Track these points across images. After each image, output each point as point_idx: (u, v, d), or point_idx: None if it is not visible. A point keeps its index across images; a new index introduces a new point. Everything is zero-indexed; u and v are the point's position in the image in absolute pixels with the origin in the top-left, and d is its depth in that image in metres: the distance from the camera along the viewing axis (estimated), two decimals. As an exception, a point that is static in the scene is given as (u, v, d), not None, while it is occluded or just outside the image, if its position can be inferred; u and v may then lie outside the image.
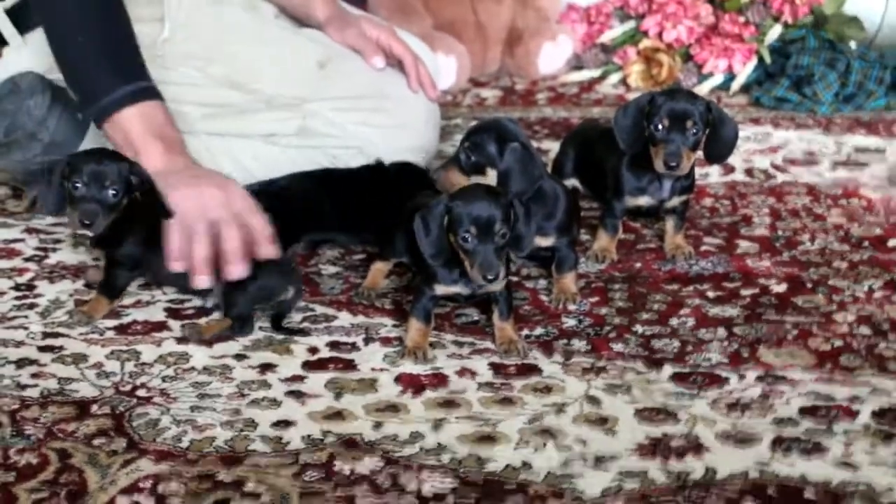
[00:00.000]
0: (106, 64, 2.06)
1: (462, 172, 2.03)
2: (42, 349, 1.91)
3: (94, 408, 1.74)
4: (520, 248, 1.90)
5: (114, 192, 1.91)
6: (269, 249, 1.97)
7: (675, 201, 2.23)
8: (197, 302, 2.06)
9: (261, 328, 1.98)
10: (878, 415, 1.72)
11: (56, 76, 2.32)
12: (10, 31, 2.30)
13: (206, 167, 2.12)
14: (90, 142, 2.34)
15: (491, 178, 2.01)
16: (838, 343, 1.93)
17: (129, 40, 2.09)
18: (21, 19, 2.30)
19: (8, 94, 2.31)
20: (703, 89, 3.19)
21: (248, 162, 2.36)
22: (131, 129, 2.04)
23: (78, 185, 1.90)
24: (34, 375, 1.83)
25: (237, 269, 1.94)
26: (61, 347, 1.92)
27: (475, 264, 1.83)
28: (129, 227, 1.97)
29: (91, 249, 2.18)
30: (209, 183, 1.99)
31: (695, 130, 2.10)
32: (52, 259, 2.23)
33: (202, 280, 1.94)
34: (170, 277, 2.02)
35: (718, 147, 2.17)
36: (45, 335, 1.95)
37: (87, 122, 2.36)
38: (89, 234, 1.92)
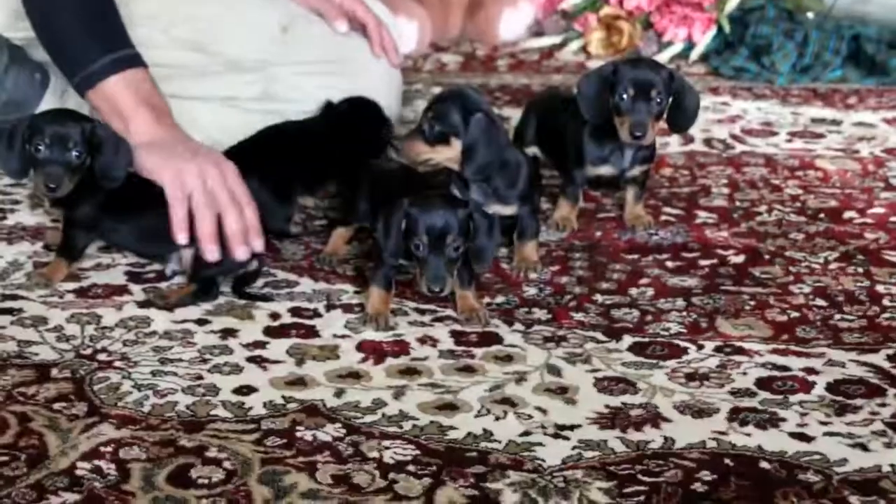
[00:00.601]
0: (90, 33, 2.04)
1: (426, 142, 2.03)
2: (0, 311, 1.89)
3: (55, 371, 1.74)
4: (482, 262, 1.91)
5: (77, 153, 1.89)
6: (258, 242, 1.97)
7: (636, 171, 2.24)
8: (156, 266, 2.05)
9: (222, 293, 1.97)
10: (833, 387, 1.75)
11: (13, 34, 2.29)
12: None
13: (196, 139, 2.11)
14: (49, 101, 2.32)
15: (455, 148, 2.02)
16: (795, 315, 1.96)
17: (110, 7, 2.07)
18: None
19: None
20: (662, 57, 3.19)
21: (206, 124, 2.34)
22: (118, 97, 2.02)
23: (41, 147, 1.89)
24: (-7, 338, 1.82)
25: (241, 251, 1.94)
26: (20, 310, 1.90)
27: (423, 274, 1.84)
28: (88, 188, 1.96)
29: (50, 210, 2.17)
30: (206, 160, 1.98)
31: (659, 100, 2.12)
32: (10, 220, 2.21)
33: (212, 252, 1.94)
34: (127, 241, 2.01)
35: (681, 116, 2.19)
36: (4, 297, 1.94)
37: (46, 81, 2.34)
38: (52, 195, 1.91)
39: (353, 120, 2.30)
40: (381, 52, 2.47)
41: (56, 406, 1.65)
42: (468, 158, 2.00)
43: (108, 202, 1.96)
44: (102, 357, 1.78)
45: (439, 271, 1.83)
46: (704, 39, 3.24)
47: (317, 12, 2.45)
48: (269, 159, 2.18)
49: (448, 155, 2.02)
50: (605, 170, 2.23)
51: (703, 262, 2.14)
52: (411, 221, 1.84)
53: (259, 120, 2.33)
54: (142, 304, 1.94)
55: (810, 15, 3.25)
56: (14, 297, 1.94)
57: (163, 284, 2.00)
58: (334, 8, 2.45)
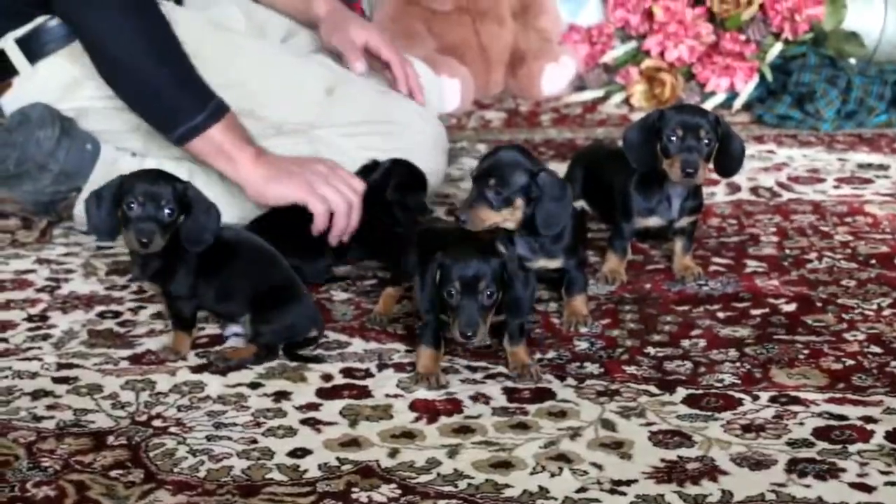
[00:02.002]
0: (184, 91, 2.20)
1: (492, 209, 2.03)
2: (57, 380, 1.91)
3: (111, 439, 1.75)
4: (518, 313, 1.91)
5: (169, 211, 1.92)
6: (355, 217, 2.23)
7: (684, 222, 2.24)
8: (210, 331, 2.07)
9: (274, 356, 1.99)
10: (892, 435, 1.73)
11: (65, 106, 2.33)
12: (21, 61, 2.32)
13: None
14: (101, 171, 2.35)
15: (519, 208, 2.02)
16: (850, 362, 1.94)
17: (190, 63, 2.21)
18: (32, 49, 2.31)
19: (18, 125, 2.32)
20: (705, 108, 3.20)
21: None
22: (223, 141, 2.20)
23: (133, 205, 1.92)
24: (49, 407, 1.83)
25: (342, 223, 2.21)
26: (76, 378, 1.92)
27: (456, 320, 1.84)
28: (179, 258, 1.97)
29: (104, 278, 2.19)
30: (314, 163, 2.24)
31: (707, 140, 2.13)
32: (65, 289, 2.24)
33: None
34: (208, 302, 2.02)
35: (729, 160, 2.19)
36: (60, 366, 1.96)
37: (97, 151, 2.37)
38: (145, 250, 1.92)
39: (384, 185, 2.31)
40: (406, 89, 2.49)
41: (113, 473, 1.66)
42: (541, 216, 2.01)
43: (201, 265, 1.98)
44: (157, 423, 1.79)
45: (472, 316, 1.83)
46: (747, 88, 3.24)
47: (335, 50, 2.48)
48: (298, 225, 2.20)
49: (514, 217, 2.03)
50: (654, 221, 2.23)
51: (754, 312, 2.12)
52: (445, 271, 1.85)
53: None
54: (195, 369, 1.95)
55: (852, 61, 3.25)
56: (70, 366, 1.96)
57: (216, 347, 2.01)
58: (354, 48, 2.48)
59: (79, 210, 2.33)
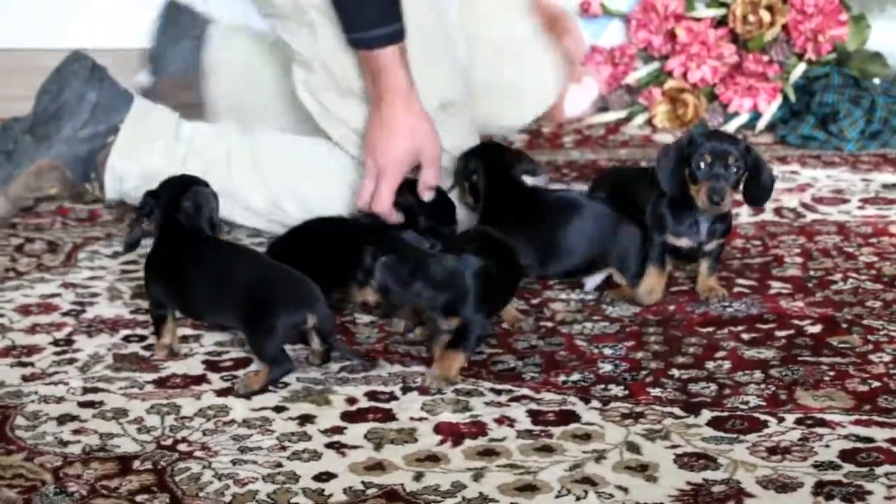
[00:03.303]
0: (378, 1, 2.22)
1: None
2: (82, 404, 1.92)
3: (136, 463, 1.76)
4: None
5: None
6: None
7: (713, 244, 2.24)
8: (234, 354, 2.07)
9: (298, 379, 1.99)
10: (920, 457, 1.72)
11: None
12: None
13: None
14: (132, 122, 2.44)
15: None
16: (876, 384, 1.93)
17: None
18: None
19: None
20: (729, 128, 3.20)
21: None
22: (391, 69, 2.21)
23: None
24: (75, 432, 1.84)
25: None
26: (101, 402, 1.93)
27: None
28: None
29: (129, 302, 2.21)
30: (434, 147, 2.25)
31: (736, 168, 2.13)
32: (90, 313, 2.24)
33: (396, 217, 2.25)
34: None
35: (757, 190, 2.20)
36: (85, 390, 1.97)
37: (131, 98, 2.48)
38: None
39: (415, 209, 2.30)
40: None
41: (139, 498, 1.67)
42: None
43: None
44: (183, 447, 1.80)
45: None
46: (770, 109, 3.23)
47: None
48: (315, 251, 2.21)
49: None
50: (683, 242, 2.23)
51: (779, 334, 2.12)
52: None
53: None
54: (220, 393, 1.96)
55: (876, 81, 3.24)
56: (95, 390, 1.97)
57: (240, 372, 2.02)
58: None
59: (112, 162, 2.42)
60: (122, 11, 3.75)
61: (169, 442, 1.81)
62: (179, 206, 2.07)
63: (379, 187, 2.25)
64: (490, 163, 2.34)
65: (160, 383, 1.99)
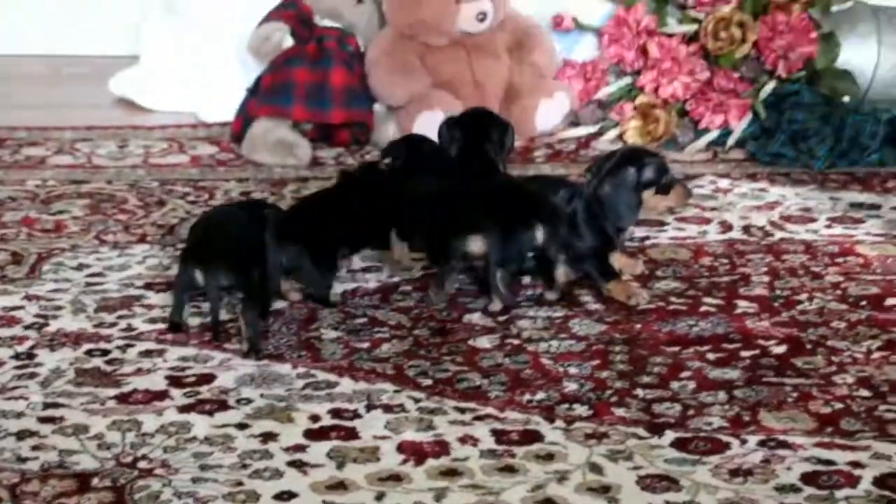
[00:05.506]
0: None
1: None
2: (42, 420, 1.91)
3: (95, 481, 1.74)
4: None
5: None
6: None
7: None
8: (197, 369, 2.06)
9: (262, 396, 1.98)
10: (880, 480, 1.72)
11: None
12: None
13: None
14: None
15: None
16: (839, 406, 1.93)
17: None
18: None
19: None
20: (699, 144, 3.20)
21: None
22: None
23: None
24: (34, 448, 1.83)
25: None
26: (62, 418, 1.91)
27: None
28: None
29: (92, 315, 2.20)
30: None
31: None
32: (53, 326, 2.23)
33: None
34: None
35: None
36: (46, 405, 1.95)
37: None
38: None
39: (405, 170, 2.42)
40: None
41: (97, 516, 1.66)
42: None
43: None
44: (143, 464, 1.79)
45: None
46: (740, 126, 3.24)
47: None
48: (312, 227, 2.31)
49: None
50: None
51: (744, 354, 2.12)
52: None
53: None
54: (182, 409, 1.94)
55: (846, 99, 3.25)
56: (56, 406, 1.95)
57: (204, 388, 2.01)
58: None
59: None
60: (99, 20, 3.75)
61: (129, 459, 1.80)
62: None
63: None
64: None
65: (122, 399, 1.98)
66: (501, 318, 2.25)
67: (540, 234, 2.23)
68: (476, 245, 2.22)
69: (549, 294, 2.31)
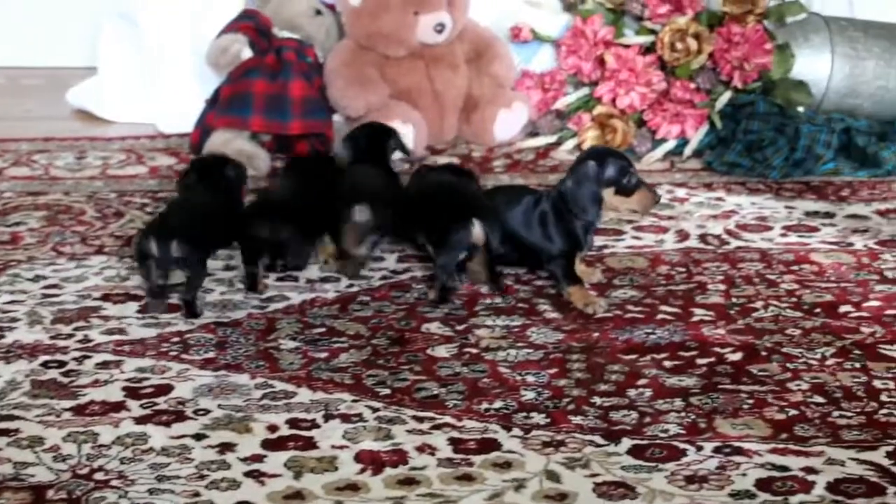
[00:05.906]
0: None
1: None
2: (-3, 432, 1.90)
3: (51, 493, 1.73)
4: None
5: None
6: None
7: None
8: (155, 381, 2.05)
9: (220, 406, 1.97)
10: (834, 486, 1.74)
11: None
12: None
13: None
14: None
15: None
16: (793, 412, 1.95)
17: None
18: None
19: None
20: (656, 154, 3.23)
21: None
22: None
23: None
24: (-11, 460, 1.82)
25: None
26: (17, 430, 1.90)
27: None
28: None
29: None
30: None
31: None
32: (9, 338, 2.21)
33: None
34: None
35: None
36: (1, 418, 1.94)
37: None
38: None
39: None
40: None
41: (53, 528, 1.65)
42: None
43: None
44: (99, 476, 1.78)
45: None
46: (697, 136, 3.26)
47: None
48: (300, 202, 2.47)
49: None
50: None
51: (700, 361, 2.14)
52: None
53: None
54: (139, 420, 1.94)
55: (800, 109, 3.28)
56: (10, 418, 1.94)
57: (161, 399, 2.00)
58: None
59: None
60: (57, 31, 3.74)
61: (85, 471, 1.79)
62: None
63: None
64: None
65: (78, 410, 1.97)
66: (459, 327, 2.26)
67: (477, 231, 2.30)
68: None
69: (430, 293, 2.37)
